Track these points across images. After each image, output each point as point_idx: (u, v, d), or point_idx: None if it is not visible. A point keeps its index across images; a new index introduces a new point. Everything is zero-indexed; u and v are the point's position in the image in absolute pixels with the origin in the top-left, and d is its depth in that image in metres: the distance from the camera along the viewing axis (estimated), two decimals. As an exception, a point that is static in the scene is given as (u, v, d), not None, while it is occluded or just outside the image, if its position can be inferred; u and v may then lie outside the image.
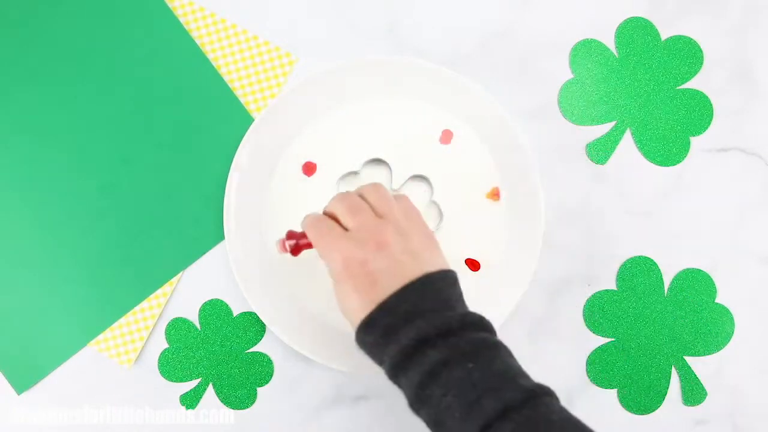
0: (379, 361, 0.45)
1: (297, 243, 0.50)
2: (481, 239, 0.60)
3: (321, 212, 0.50)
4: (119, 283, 0.60)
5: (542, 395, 0.41)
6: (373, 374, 0.58)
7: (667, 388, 0.61)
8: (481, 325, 0.44)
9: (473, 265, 0.60)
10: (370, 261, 0.44)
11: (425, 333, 0.42)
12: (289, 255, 0.50)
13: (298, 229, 0.50)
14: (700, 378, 0.61)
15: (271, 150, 0.60)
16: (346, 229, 0.47)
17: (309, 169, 0.60)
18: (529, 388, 0.41)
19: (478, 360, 0.41)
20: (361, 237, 0.45)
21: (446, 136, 0.60)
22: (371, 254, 0.44)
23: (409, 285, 0.43)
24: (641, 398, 0.61)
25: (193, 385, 0.60)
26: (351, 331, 0.59)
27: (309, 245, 0.50)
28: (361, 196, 0.48)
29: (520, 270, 0.59)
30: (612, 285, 0.61)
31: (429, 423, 0.42)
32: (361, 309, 0.44)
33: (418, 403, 0.42)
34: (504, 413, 0.40)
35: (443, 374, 0.41)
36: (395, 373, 0.43)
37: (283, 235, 0.51)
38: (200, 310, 0.60)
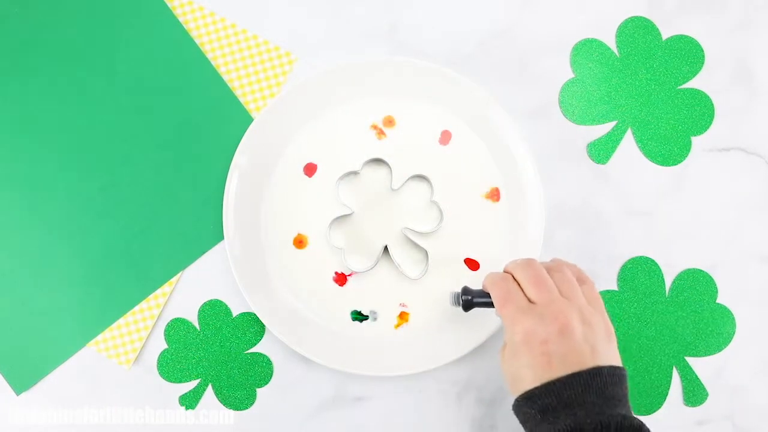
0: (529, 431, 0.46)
1: (472, 300, 0.53)
2: (481, 239, 0.60)
3: (503, 271, 0.50)
4: (119, 283, 0.60)
5: None
6: (373, 374, 0.58)
7: (668, 388, 0.61)
8: (638, 430, 0.44)
9: (473, 264, 0.60)
10: (551, 342, 0.45)
11: (581, 424, 0.43)
12: (459, 309, 0.54)
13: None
14: (701, 378, 0.61)
15: (271, 150, 0.59)
16: (529, 299, 0.47)
17: (310, 169, 0.60)
18: None
19: None
20: (546, 315, 0.46)
21: (445, 137, 0.60)
22: (553, 336, 0.45)
23: (578, 373, 0.44)
24: (642, 399, 0.61)
25: (193, 386, 0.60)
26: (351, 331, 0.59)
27: (484, 305, 0.53)
28: (547, 270, 0.49)
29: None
30: (613, 285, 0.61)
31: None
32: (528, 382, 0.45)
33: None
34: None
35: None
36: None
37: (458, 288, 0.54)
38: (200, 311, 0.60)
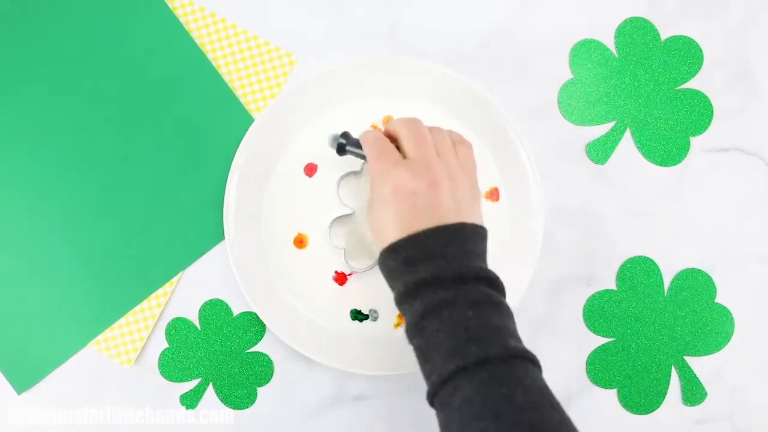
0: (392, 285, 0.47)
1: (346, 146, 0.53)
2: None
3: (385, 131, 0.51)
4: (119, 283, 0.60)
5: (523, 359, 0.44)
6: (373, 374, 0.58)
7: (667, 388, 0.61)
8: (493, 283, 0.46)
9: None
10: (419, 195, 0.46)
11: (442, 273, 0.44)
12: (334, 153, 0.53)
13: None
14: (699, 378, 0.61)
15: (271, 150, 0.60)
16: (404, 156, 0.48)
17: (310, 169, 0.60)
18: (514, 349, 0.43)
19: (478, 310, 0.44)
20: (418, 169, 0.47)
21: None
22: (422, 189, 0.46)
23: (443, 227, 0.45)
24: (641, 398, 0.61)
25: (193, 385, 0.60)
26: (351, 331, 0.59)
27: (357, 154, 0.53)
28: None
29: (520, 270, 0.59)
30: (612, 285, 0.61)
31: (417, 351, 0.46)
32: (393, 235, 0.46)
33: (413, 331, 0.45)
34: (483, 362, 0.42)
35: (444, 312, 0.44)
36: (402, 300, 0.46)
37: (338, 131, 0.53)
38: (200, 310, 0.60)
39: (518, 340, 0.45)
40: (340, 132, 0.54)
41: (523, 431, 0.40)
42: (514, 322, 0.46)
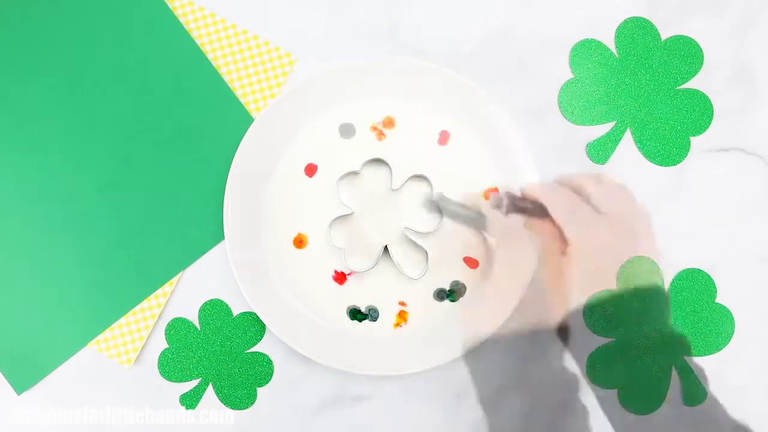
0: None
1: (515, 205, 0.52)
2: (480, 239, 0.60)
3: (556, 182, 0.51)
4: (119, 283, 0.60)
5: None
6: (373, 374, 0.58)
7: (668, 388, 0.61)
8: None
9: (471, 263, 0.60)
10: (599, 259, 0.46)
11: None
12: (505, 216, 0.52)
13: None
14: (700, 378, 0.61)
15: (271, 150, 0.60)
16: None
17: (310, 170, 0.60)
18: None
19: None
20: (605, 230, 0.47)
21: (444, 137, 0.60)
22: (620, 245, 0.46)
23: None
24: (641, 398, 0.61)
25: (193, 385, 0.60)
26: (351, 331, 0.59)
27: (523, 212, 0.52)
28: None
29: (520, 270, 0.59)
30: (612, 285, 0.61)
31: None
32: (580, 295, 0.47)
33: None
34: None
35: None
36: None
37: (501, 193, 0.53)
38: (200, 310, 0.60)
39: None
40: (502, 194, 0.53)
41: None
42: None
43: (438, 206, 0.52)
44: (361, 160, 0.59)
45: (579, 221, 0.47)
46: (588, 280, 0.47)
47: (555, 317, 0.47)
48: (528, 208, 0.53)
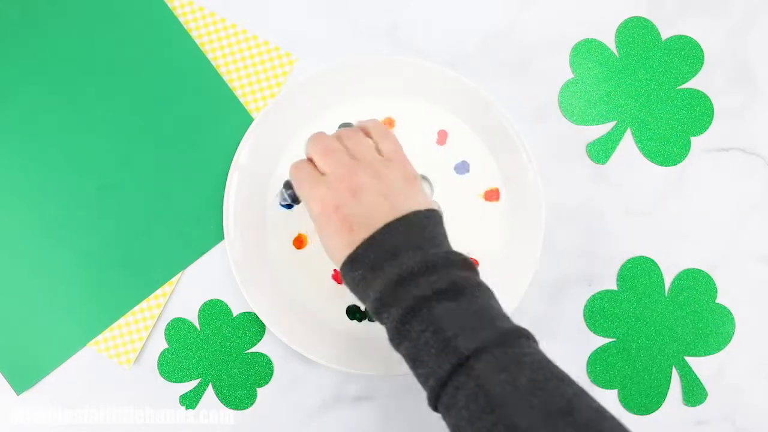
0: (365, 297, 0.45)
1: (293, 192, 0.51)
2: (481, 239, 0.60)
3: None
4: (119, 283, 0.60)
5: (518, 337, 0.42)
6: (373, 374, 0.58)
7: (668, 388, 0.61)
8: (464, 264, 0.44)
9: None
10: (344, 206, 0.45)
11: (409, 269, 0.42)
12: (285, 210, 0.52)
13: None
14: (700, 378, 0.61)
15: (271, 150, 0.59)
16: (321, 173, 0.47)
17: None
18: (504, 329, 0.41)
19: (458, 299, 0.42)
20: (333, 181, 0.46)
21: (442, 137, 0.60)
22: (344, 199, 0.45)
23: (393, 223, 0.44)
24: (642, 398, 0.61)
25: (193, 386, 0.60)
26: (351, 331, 0.59)
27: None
28: (338, 138, 0.49)
29: (520, 270, 0.59)
30: (612, 285, 0.61)
31: (407, 358, 0.44)
32: (342, 250, 0.45)
33: (398, 338, 0.43)
34: (477, 352, 0.40)
35: (423, 311, 0.42)
36: (378, 310, 0.44)
37: (282, 185, 0.52)
38: (200, 310, 0.60)
39: (506, 318, 0.43)
40: (282, 185, 0.52)
41: (538, 415, 0.38)
42: (497, 301, 0.44)
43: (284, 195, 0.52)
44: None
45: (304, 189, 0.47)
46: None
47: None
48: None
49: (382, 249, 0.43)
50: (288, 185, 0.51)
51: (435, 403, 0.42)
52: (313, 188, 0.46)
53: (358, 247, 0.44)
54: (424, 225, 0.45)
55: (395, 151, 0.48)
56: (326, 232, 0.45)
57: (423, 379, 0.43)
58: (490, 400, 0.39)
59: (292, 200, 0.51)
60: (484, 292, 0.43)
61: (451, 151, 0.60)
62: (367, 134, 0.50)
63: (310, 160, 0.48)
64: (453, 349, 0.41)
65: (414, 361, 0.43)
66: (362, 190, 0.45)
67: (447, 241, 0.46)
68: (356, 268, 0.44)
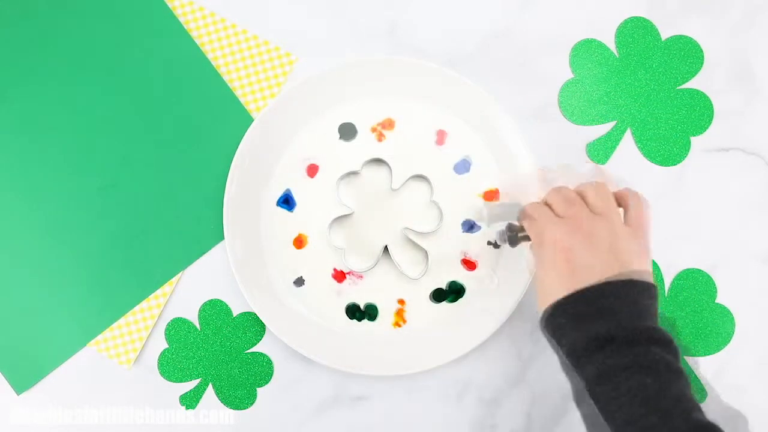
0: (558, 343, 0.45)
1: (517, 235, 0.52)
2: (481, 239, 0.60)
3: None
4: (119, 283, 0.60)
5: (708, 430, 0.41)
6: (373, 374, 0.58)
7: (668, 388, 0.61)
8: (668, 347, 0.44)
9: (469, 264, 0.60)
10: (575, 250, 0.45)
11: (614, 333, 0.43)
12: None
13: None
14: (700, 378, 0.61)
15: (271, 150, 0.60)
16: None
17: (310, 170, 0.60)
18: (698, 422, 0.41)
19: (657, 378, 0.42)
20: (571, 224, 0.46)
21: (441, 137, 0.60)
22: (578, 243, 0.45)
23: (611, 283, 0.44)
24: (641, 398, 0.61)
25: (193, 385, 0.60)
26: (351, 331, 0.59)
27: (526, 237, 0.52)
28: (580, 193, 0.49)
29: (520, 270, 0.59)
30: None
31: (586, 418, 0.44)
32: (556, 293, 0.45)
33: (584, 396, 0.43)
34: None
35: (620, 379, 0.42)
36: (572, 361, 0.44)
37: (503, 227, 0.53)
38: (200, 310, 0.60)
39: (700, 411, 0.43)
40: (505, 226, 0.53)
41: None
42: (692, 391, 0.44)
43: (507, 235, 0.53)
44: (361, 160, 0.59)
45: (538, 226, 0.48)
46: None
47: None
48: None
49: (593, 305, 0.44)
50: (511, 228, 0.52)
51: None
52: (547, 224, 0.47)
53: (567, 297, 0.44)
54: (640, 295, 0.45)
55: (640, 215, 0.48)
56: (547, 270, 0.46)
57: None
58: None
59: (508, 242, 0.53)
60: (682, 380, 0.43)
61: (450, 151, 0.60)
62: (619, 199, 0.50)
63: (548, 205, 0.49)
64: (641, 426, 0.41)
65: (592, 426, 0.44)
66: (597, 240, 0.45)
67: (656, 317, 0.46)
68: (563, 315, 0.45)
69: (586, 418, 0.44)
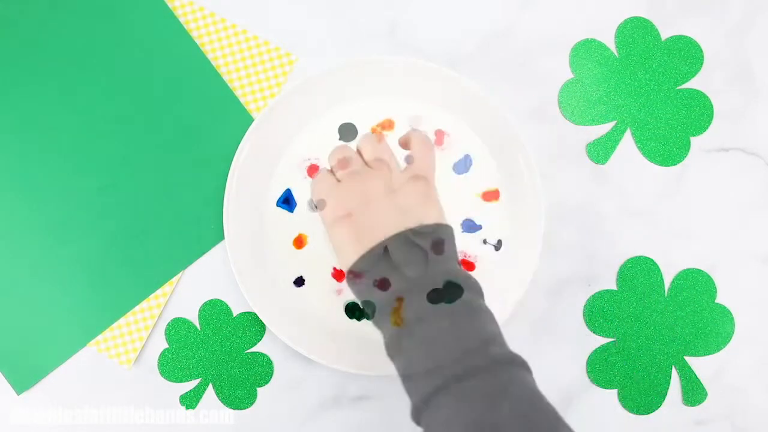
0: (364, 307, 0.46)
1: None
2: (480, 239, 0.60)
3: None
4: (119, 283, 0.60)
5: (510, 364, 0.41)
6: (373, 374, 0.58)
7: (668, 388, 0.61)
8: (467, 285, 0.44)
9: (468, 265, 0.60)
10: (356, 214, 0.45)
11: (407, 285, 0.43)
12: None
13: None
14: (700, 378, 0.61)
15: (271, 150, 0.60)
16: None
17: (311, 170, 0.60)
18: (496, 356, 0.41)
19: (454, 320, 0.42)
20: (348, 189, 0.46)
21: (441, 137, 0.60)
22: (357, 208, 0.45)
23: (401, 234, 0.44)
24: (641, 398, 0.61)
25: (193, 385, 0.60)
26: (351, 331, 0.59)
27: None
28: (358, 149, 0.49)
29: (520, 270, 0.59)
30: (612, 285, 0.61)
31: (398, 371, 0.44)
32: (351, 256, 0.45)
33: (392, 351, 0.44)
34: (463, 376, 0.40)
35: (418, 329, 0.42)
36: (378, 321, 0.44)
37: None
38: (200, 310, 0.60)
39: (502, 344, 0.43)
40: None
41: None
42: (496, 325, 0.44)
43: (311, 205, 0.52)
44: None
45: (318, 192, 0.48)
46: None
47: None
48: None
49: (384, 263, 0.44)
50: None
51: (418, 417, 0.43)
52: (328, 193, 0.47)
53: (357, 260, 0.44)
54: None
55: (424, 160, 0.48)
56: (335, 238, 0.46)
57: (409, 394, 0.43)
58: (467, 428, 0.39)
59: (310, 208, 0.53)
60: (482, 315, 0.43)
61: (450, 151, 0.60)
62: (405, 144, 0.50)
63: (331, 171, 0.49)
64: (439, 372, 0.41)
65: (403, 375, 0.43)
66: (374, 201, 0.45)
67: (455, 259, 0.46)
68: (356, 280, 0.45)
69: (399, 370, 0.44)
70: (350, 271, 0.45)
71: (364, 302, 0.46)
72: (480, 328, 0.42)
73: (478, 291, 0.45)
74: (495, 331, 0.43)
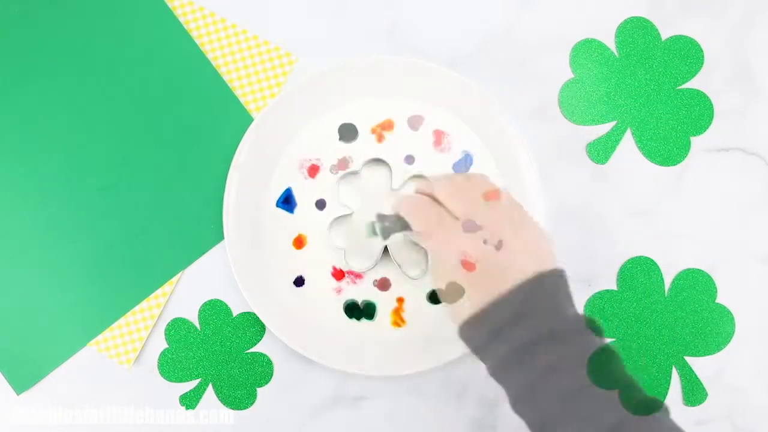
0: (482, 358, 0.44)
1: (389, 228, 0.50)
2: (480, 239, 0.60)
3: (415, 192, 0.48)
4: (119, 283, 0.60)
5: (655, 407, 0.42)
6: (373, 374, 0.58)
7: (668, 388, 0.61)
8: (593, 326, 0.43)
9: (468, 265, 0.60)
10: (489, 258, 0.43)
11: (537, 333, 0.41)
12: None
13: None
14: (700, 378, 0.61)
15: (271, 150, 0.60)
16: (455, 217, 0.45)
17: (311, 170, 0.60)
18: (644, 401, 0.41)
19: (590, 368, 0.41)
20: (478, 231, 0.44)
21: (440, 137, 0.60)
22: (490, 252, 0.43)
23: (521, 285, 0.42)
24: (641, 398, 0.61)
25: (193, 386, 0.60)
26: (350, 331, 0.59)
27: (402, 226, 0.50)
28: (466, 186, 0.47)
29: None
30: (612, 285, 0.61)
31: (532, 427, 0.43)
32: (471, 306, 0.43)
33: (521, 404, 0.42)
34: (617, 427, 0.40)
35: (552, 380, 0.41)
36: (500, 373, 0.43)
37: (373, 217, 0.51)
38: (200, 310, 0.60)
39: (639, 389, 0.42)
40: (375, 217, 0.52)
41: None
42: (622, 363, 0.43)
43: (379, 227, 0.51)
44: (361, 160, 0.59)
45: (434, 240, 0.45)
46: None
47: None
48: (403, 224, 0.50)
49: (510, 312, 0.42)
50: (381, 219, 0.51)
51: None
52: (453, 235, 0.44)
53: (483, 309, 0.42)
54: (552, 288, 0.43)
55: (517, 208, 0.47)
56: (460, 283, 0.44)
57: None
58: None
59: (381, 234, 0.51)
60: (614, 359, 0.43)
61: (450, 151, 0.60)
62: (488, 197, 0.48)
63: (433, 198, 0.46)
64: (597, 425, 0.42)
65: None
66: (506, 244, 0.43)
67: (572, 301, 0.44)
68: (478, 330, 0.43)
69: (533, 425, 0.43)
70: (471, 320, 0.43)
71: (480, 354, 0.44)
72: (617, 372, 0.42)
73: (601, 330, 0.44)
74: (625, 373, 0.43)
